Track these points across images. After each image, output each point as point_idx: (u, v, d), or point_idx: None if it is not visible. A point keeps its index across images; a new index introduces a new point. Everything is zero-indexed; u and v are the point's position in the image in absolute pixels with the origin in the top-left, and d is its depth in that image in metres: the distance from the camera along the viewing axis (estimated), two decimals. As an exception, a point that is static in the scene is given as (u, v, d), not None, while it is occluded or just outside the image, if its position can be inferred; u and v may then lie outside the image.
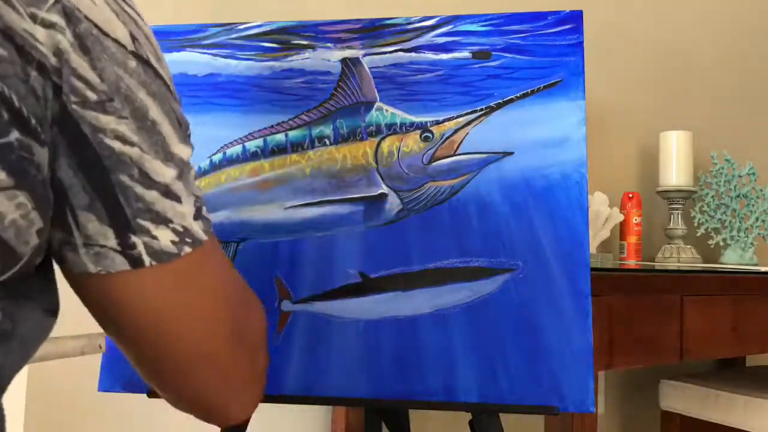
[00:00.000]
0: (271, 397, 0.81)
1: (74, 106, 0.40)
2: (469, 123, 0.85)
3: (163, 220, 0.43)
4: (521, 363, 0.78)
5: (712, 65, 2.06)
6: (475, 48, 0.87)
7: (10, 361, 0.42)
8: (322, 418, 1.43)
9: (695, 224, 1.77)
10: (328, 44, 0.90)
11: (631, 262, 1.68)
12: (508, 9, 0.96)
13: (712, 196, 1.77)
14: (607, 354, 1.10)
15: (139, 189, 0.42)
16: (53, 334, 0.47)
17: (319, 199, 0.86)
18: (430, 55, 0.88)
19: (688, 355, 1.22)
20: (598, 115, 1.78)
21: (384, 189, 0.86)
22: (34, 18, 0.38)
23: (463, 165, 0.85)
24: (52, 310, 0.45)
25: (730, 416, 1.51)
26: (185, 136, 0.46)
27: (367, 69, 0.89)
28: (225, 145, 0.89)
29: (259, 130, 0.89)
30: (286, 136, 0.89)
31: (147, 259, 0.43)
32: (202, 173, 0.89)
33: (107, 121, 0.41)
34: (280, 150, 0.88)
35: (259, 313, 0.57)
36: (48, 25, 0.39)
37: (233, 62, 0.91)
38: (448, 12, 0.91)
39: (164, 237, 0.43)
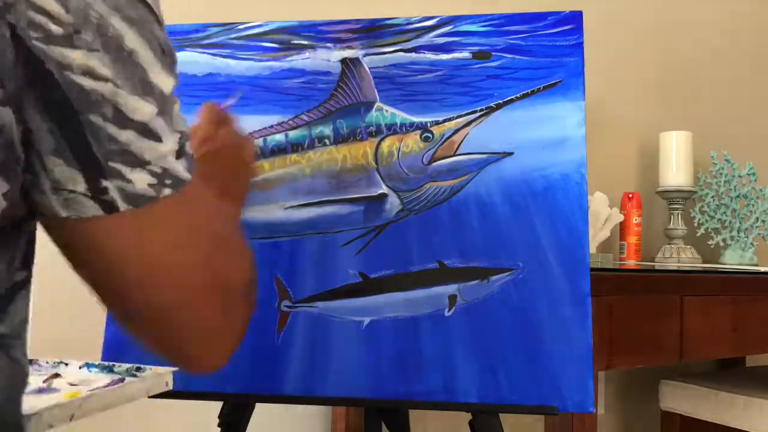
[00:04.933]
0: (271, 397, 0.81)
1: (35, 42, 0.35)
2: (469, 123, 0.85)
3: (139, 163, 0.39)
4: (521, 363, 0.78)
5: (712, 65, 2.06)
6: (475, 48, 0.87)
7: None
8: (322, 418, 1.43)
9: (695, 224, 1.77)
10: (328, 44, 0.90)
11: (631, 262, 1.68)
12: (508, 9, 0.96)
13: (712, 196, 1.77)
14: (607, 354, 1.10)
15: (112, 129, 0.38)
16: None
17: (319, 199, 0.86)
18: (430, 56, 0.88)
19: (688, 355, 1.22)
20: (598, 115, 1.78)
21: (384, 189, 0.86)
22: None
23: (463, 165, 0.85)
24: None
25: (730, 416, 1.51)
26: (170, 65, 0.41)
27: (367, 69, 0.89)
28: (225, 145, 0.89)
29: (259, 130, 0.89)
30: (286, 136, 0.89)
31: (122, 204, 0.39)
32: (202, 173, 0.89)
33: (75, 56, 0.36)
34: (280, 150, 0.88)
35: (242, 263, 0.51)
36: None
37: (233, 62, 0.91)
38: (449, 12, 0.91)
39: (140, 180, 0.39)
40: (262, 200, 0.87)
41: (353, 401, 0.82)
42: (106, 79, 0.37)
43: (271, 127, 0.89)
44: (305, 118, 0.89)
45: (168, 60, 0.41)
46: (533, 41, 0.86)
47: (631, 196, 1.71)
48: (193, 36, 0.93)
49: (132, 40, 0.38)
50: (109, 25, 0.37)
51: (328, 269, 0.84)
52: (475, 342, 0.79)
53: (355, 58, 0.89)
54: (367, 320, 0.82)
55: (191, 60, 0.92)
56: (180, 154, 0.42)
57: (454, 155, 0.85)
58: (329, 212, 0.86)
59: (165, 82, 0.40)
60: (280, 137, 0.89)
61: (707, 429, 1.61)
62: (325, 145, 0.88)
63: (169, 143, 0.41)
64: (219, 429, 0.86)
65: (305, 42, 0.91)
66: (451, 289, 0.82)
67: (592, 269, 0.82)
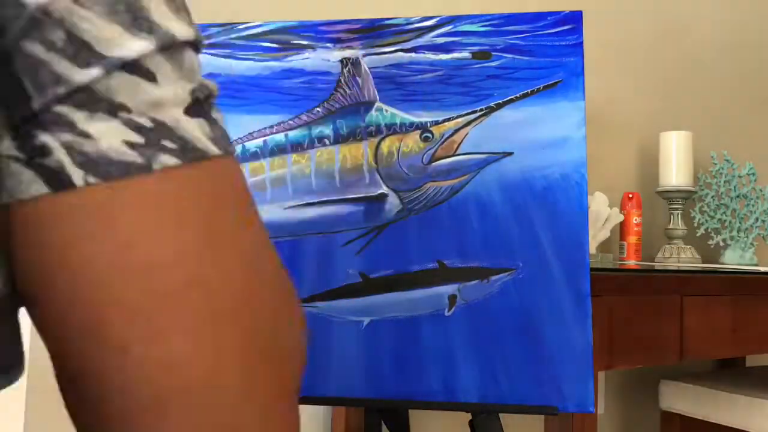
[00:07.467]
0: (271, 397, 0.81)
1: None
2: (468, 123, 0.86)
3: (106, 107, 0.25)
4: (521, 363, 0.78)
5: (712, 65, 2.06)
6: (475, 48, 0.87)
7: None
8: (322, 418, 1.43)
9: (695, 224, 1.77)
10: (328, 44, 0.90)
11: (631, 262, 1.68)
12: (508, 9, 0.96)
13: (712, 197, 1.77)
14: (607, 354, 1.10)
15: (60, 65, 0.23)
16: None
17: (319, 199, 0.86)
18: (429, 56, 0.88)
19: (688, 355, 1.22)
20: (598, 115, 1.78)
21: (384, 189, 0.86)
22: None
23: (463, 165, 0.85)
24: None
25: (730, 416, 1.51)
26: (182, 11, 0.28)
27: (366, 69, 0.89)
28: (225, 145, 0.89)
29: (259, 130, 0.89)
30: (286, 136, 0.89)
31: (77, 174, 0.24)
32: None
33: None
34: (280, 150, 0.88)
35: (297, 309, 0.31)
36: None
37: (233, 62, 0.91)
38: (448, 12, 0.91)
39: (108, 134, 0.25)
40: (262, 200, 0.87)
41: (353, 401, 0.82)
42: None
43: (271, 127, 0.89)
44: (305, 118, 0.89)
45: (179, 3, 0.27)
46: (533, 41, 0.86)
47: (631, 196, 1.71)
48: (193, 36, 0.93)
49: None
50: None
51: (329, 269, 0.84)
52: (475, 342, 0.79)
53: (355, 58, 0.89)
54: (367, 320, 0.82)
55: (191, 60, 0.92)
56: (196, 111, 0.26)
57: (454, 155, 0.85)
58: (329, 212, 0.86)
59: (176, 28, 0.26)
60: (280, 137, 0.89)
61: (707, 429, 1.61)
62: (325, 145, 0.88)
63: (169, 89, 0.25)
64: None
65: (305, 42, 0.91)
66: (450, 289, 0.82)
67: (592, 269, 0.82)
